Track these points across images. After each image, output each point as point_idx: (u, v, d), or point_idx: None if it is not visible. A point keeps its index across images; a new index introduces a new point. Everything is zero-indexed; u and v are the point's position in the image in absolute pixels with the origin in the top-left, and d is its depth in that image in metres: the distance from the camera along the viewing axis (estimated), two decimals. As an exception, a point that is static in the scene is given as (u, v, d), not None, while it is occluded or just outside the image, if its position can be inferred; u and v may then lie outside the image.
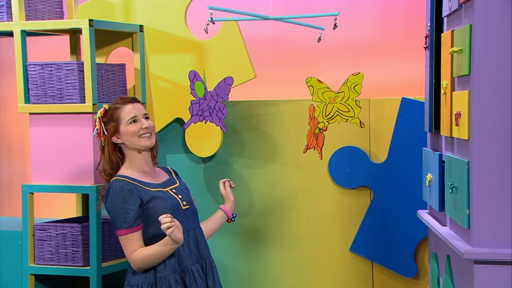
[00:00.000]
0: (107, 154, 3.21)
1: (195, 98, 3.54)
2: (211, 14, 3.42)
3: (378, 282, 4.02)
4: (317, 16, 3.48)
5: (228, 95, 3.43)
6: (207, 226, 3.42)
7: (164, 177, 3.29)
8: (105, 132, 3.19)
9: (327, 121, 3.18)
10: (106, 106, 3.23)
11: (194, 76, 3.44)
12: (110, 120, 3.20)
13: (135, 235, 3.09)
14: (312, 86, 3.14)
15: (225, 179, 3.53)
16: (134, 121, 3.19)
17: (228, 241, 4.19)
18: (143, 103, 4.07)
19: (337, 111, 3.13)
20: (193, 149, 4.13)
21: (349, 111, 3.14)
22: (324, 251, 4.07)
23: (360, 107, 3.14)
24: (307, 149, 3.57)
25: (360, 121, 3.20)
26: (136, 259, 3.08)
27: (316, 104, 3.23)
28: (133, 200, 3.08)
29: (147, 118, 3.24)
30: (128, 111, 3.20)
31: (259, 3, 4.40)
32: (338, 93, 3.15)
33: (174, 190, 3.22)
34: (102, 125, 3.20)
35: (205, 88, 3.39)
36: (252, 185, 4.17)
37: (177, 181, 3.30)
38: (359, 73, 3.22)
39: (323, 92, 3.13)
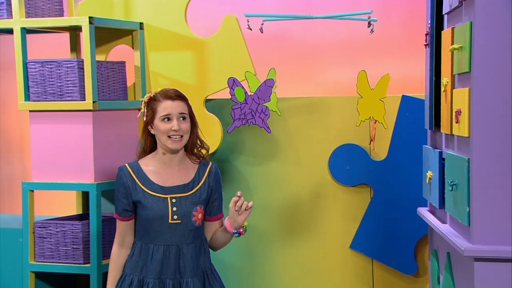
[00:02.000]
0: (142, 139, 3.23)
1: (235, 103, 3.55)
2: (248, 22, 3.46)
3: (378, 279, 4.02)
4: (353, 15, 3.65)
5: (269, 96, 3.46)
6: (215, 236, 3.28)
7: (184, 180, 3.20)
8: (144, 118, 3.19)
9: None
10: (154, 91, 3.19)
11: (233, 83, 3.47)
12: (149, 109, 3.17)
13: (121, 224, 3.24)
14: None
15: (237, 198, 3.16)
16: (168, 119, 3.13)
17: (228, 238, 4.19)
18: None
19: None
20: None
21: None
22: (325, 248, 4.07)
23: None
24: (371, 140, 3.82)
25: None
26: (111, 251, 3.27)
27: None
28: (124, 193, 3.19)
29: (183, 118, 3.15)
30: (164, 107, 3.14)
31: (261, 2, 4.42)
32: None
33: (174, 200, 3.16)
34: (145, 110, 3.18)
35: (246, 93, 3.43)
36: (252, 182, 4.16)
37: (193, 190, 3.19)
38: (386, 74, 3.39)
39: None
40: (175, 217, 3.14)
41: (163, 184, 3.18)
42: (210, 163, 3.28)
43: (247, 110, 3.47)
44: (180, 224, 3.15)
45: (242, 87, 3.45)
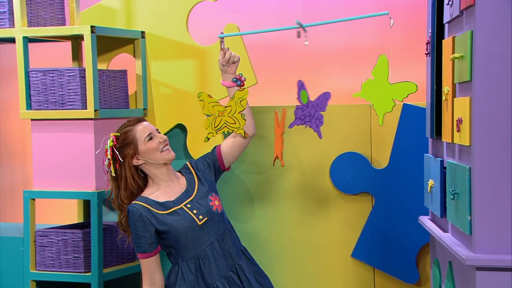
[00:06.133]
0: (130, 179, 3.18)
1: (300, 104, 3.66)
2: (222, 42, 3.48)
3: (379, 288, 4.02)
4: (367, 17, 3.66)
5: (325, 107, 3.58)
6: None
7: (182, 188, 3.24)
8: (121, 159, 3.16)
9: (215, 132, 3.34)
10: (114, 134, 3.19)
11: (301, 85, 3.58)
12: (125, 144, 3.18)
13: (148, 261, 3.16)
14: (203, 100, 3.29)
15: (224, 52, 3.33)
16: (151, 138, 3.19)
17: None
18: (145, 109, 4.14)
19: (225, 123, 3.30)
20: (194, 155, 4.13)
21: (235, 123, 3.32)
22: (326, 257, 4.07)
23: (245, 120, 3.31)
24: (275, 160, 3.71)
25: (244, 132, 3.35)
26: None
27: (206, 117, 3.38)
28: (143, 227, 3.13)
29: (159, 132, 3.25)
30: (142, 130, 3.19)
31: (262, 10, 4.42)
32: (226, 107, 3.30)
33: (189, 206, 3.19)
34: (116, 152, 3.17)
35: (308, 97, 3.59)
36: (253, 190, 4.16)
37: (195, 190, 3.23)
38: (244, 89, 3.37)
39: (212, 106, 3.29)
40: (201, 217, 3.16)
41: (171, 199, 3.20)
42: (186, 162, 3.34)
43: (307, 113, 3.57)
44: (208, 220, 3.17)
45: (306, 91, 3.58)
